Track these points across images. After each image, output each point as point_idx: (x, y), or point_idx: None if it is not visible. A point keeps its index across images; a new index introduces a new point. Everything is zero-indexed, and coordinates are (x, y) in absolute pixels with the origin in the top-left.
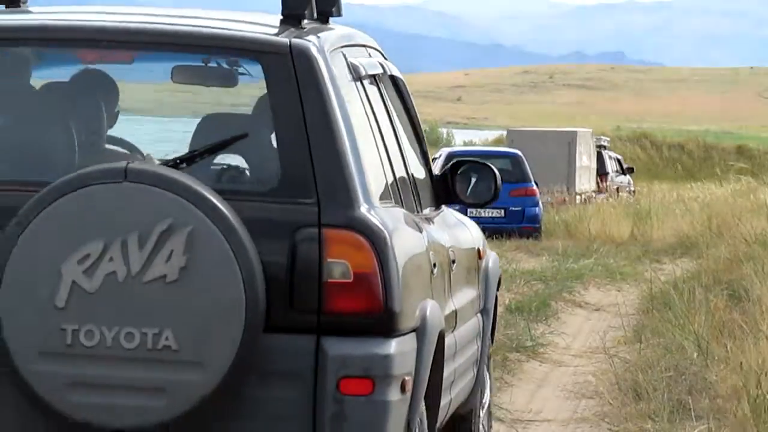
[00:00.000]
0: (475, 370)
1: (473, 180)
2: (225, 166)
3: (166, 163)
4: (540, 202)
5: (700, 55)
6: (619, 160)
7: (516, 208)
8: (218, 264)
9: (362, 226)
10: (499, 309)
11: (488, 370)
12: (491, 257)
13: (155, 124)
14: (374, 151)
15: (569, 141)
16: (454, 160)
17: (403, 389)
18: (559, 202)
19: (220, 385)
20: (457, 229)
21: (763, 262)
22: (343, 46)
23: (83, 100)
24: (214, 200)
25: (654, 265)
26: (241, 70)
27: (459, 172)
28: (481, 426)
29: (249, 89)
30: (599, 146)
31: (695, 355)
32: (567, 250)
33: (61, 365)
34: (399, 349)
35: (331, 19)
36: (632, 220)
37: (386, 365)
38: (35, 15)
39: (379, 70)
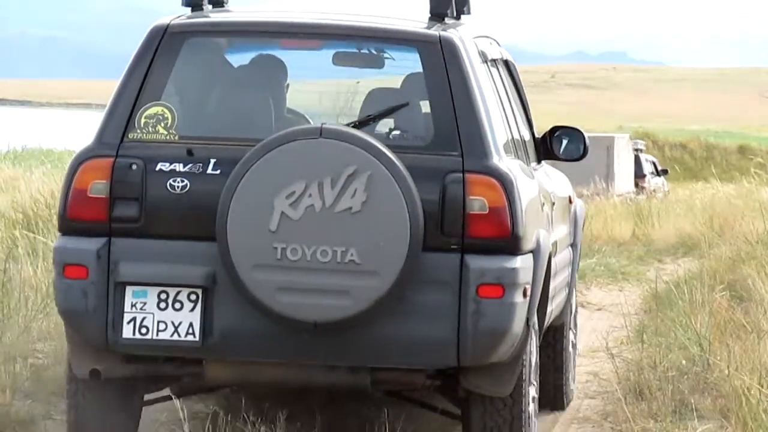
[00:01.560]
0: (567, 292)
1: (565, 141)
2: (391, 127)
3: (348, 125)
4: None
5: (702, 55)
6: (654, 163)
7: None
8: (390, 199)
9: (495, 172)
10: None
11: (575, 295)
12: (578, 203)
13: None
14: (500, 117)
15: (608, 145)
16: (552, 126)
17: (524, 295)
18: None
19: (390, 290)
20: (554, 179)
21: (765, 262)
22: (475, 37)
23: (268, 77)
24: (387, 152)
25: (656, 264)
26: (386, 55)
27: (555, 135)
28: (570, 336)
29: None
30: (636, 150)
31: (698, 354)
32: None
33: (272, 274)
34: (522, 264)
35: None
36: (634, 220)
37: (513, 276)
38: (242, 13)
39: (499, 56)
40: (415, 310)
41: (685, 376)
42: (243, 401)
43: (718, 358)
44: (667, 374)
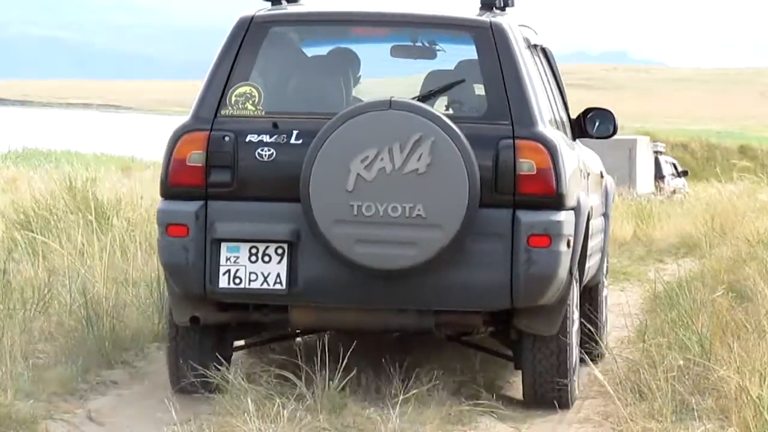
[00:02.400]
0: (601, 255)
1: (597, 122)
2: (449, 101)
3: (413, 98)
4: None
5: (702, 55)
6: (674, 164)
7: None
8: (451, 162)
9: (541, 138)
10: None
11: (607, 261)
12: (608, 179)
13: None
14: (543, 94)
15: (630, 148)
16: (585, 108)
17: (568, 245)
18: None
19: (452, 241)
20: (588, 155)
21: (766, 263)
22: (519, 25)
23: (341, 65)
24: (448, 121)
25: (657, 265)
26: (437, 47)
27: (588, 116)
28: (604, 295)
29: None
30: (656, 152)
31: (699, 355)
32: None
33: (350, 229)
34: (565, 218)
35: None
36: (635, 220)
37: (558, 227)
38: (315, 6)
39: (539, 43)
40: (474, 259)
41: (686, 376)
42: (244, 401)
43: (719, 358)
44: (667, 374)
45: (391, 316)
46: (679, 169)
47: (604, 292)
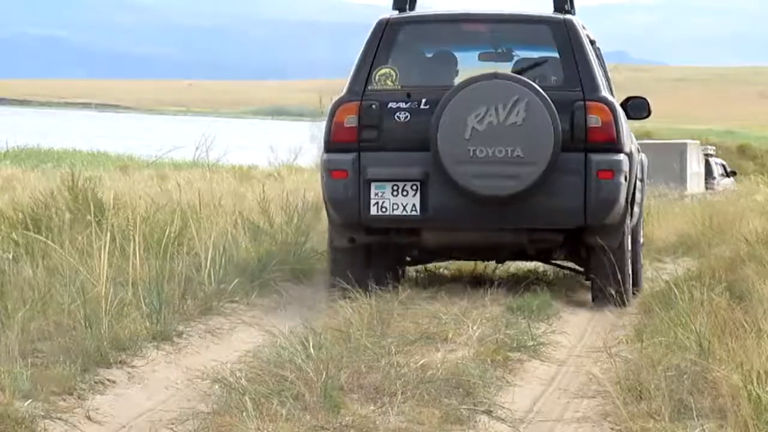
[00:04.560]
0: (640, 209)
1: (635, 107)
2: (535, 76)
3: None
4: None
5: (702, 55)
6: (723, 165)
7: None
8: (541, 117)
9: (604, 100)
10: (500, 309)
11: (642, 215)
12: (643, 155)
13: None
14: (601, 74)
15: (681, 151)
16: (626, 96)
17: (625, 178)
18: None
19: (542, 175)
20: (630, 131)
21: (765, 262)
22: (581, 24)
23: (446, 59)
24: (538, 87)
25: (655, 264)
26: (513, 53)
27: (628, 103)
28: (640, 239)
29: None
30: (706, 154)
31: (697, 354)
32: None
33: (467, 167)
34: (623, 158)
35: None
36: None
37: (619, 164)
38: (432, 11)
39: (593, 38)
40: (558, 189)
41: (685, 376)
42: (242, 400)
43: (718, 357)
44: (666, 374)
45: (494, 234)
46: (728, 169)
47: (640, 237)
